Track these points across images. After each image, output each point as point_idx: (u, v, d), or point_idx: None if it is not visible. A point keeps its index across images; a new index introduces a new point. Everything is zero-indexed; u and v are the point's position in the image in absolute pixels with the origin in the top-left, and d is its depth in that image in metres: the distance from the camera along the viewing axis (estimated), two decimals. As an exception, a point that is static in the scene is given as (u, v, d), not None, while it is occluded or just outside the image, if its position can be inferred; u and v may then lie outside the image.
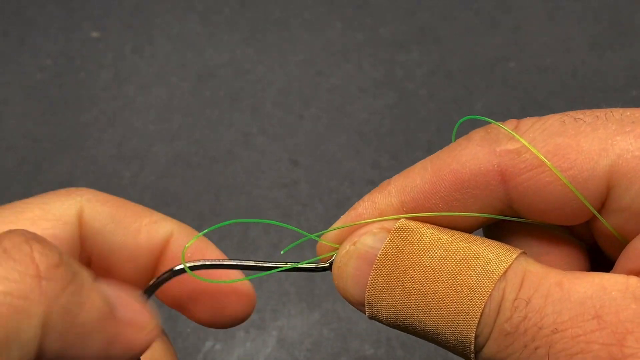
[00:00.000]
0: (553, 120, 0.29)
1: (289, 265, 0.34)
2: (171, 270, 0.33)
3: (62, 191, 0.34)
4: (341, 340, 0.65)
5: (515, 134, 0.29)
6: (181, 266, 0.33)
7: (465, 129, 0.33)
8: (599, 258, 0.32)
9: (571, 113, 0.29)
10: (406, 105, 0.87)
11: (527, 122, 0.30)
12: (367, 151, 0.82)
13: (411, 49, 0.95)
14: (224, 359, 0.64)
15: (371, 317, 0.31)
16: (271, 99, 0.88)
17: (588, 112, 0.29)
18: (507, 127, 0.30)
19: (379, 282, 0.30)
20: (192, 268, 0.33)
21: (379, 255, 0.30)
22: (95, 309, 0.26)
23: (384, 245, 0.30)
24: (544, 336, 0.26)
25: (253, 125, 0.85)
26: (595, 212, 0.29)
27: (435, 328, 0.29)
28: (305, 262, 0.34)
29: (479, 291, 0.28)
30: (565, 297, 0.26)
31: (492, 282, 0.28)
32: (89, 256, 0.35)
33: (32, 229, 0.28)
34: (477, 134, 0.31)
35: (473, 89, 0.89)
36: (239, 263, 0.34)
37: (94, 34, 0.97)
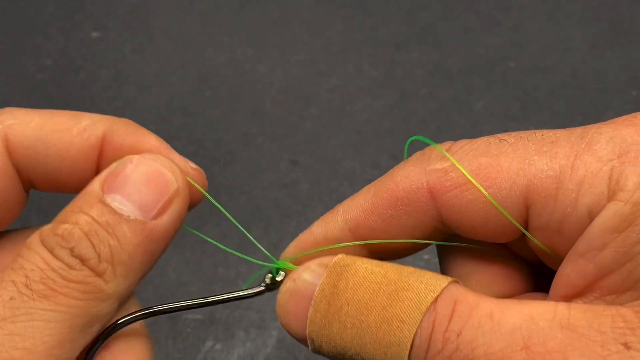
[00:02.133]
0: (481, 142, 0.31)
1: (224, 297, 0.34)
2: (113, 326, 0.33)
3: None
4: (341, 340, 0.65)
5: (445, 152, 0.31)
6: (119, 321, 0.33)
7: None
8: (548, 275, 0.32)
9: (499, 135, 0.31)
10: (406, 105, 0.87)
11: (460, 143, 0.32)
12: (367, 151, 0.82)
13: (411, 49, 0.95)
14: (224, 358, 0.64)
15: (314, 352, 0.31)
16: (271, 99, 0.88)
17: (514, 133, 0.30)
18: (441, 147, 0.32)
19: (318, 318, 0.30)
20: (128, 321, 0.33)
21: (316, 292, 0.30)
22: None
23: (320, 282, 0.31)
24: None
25: (253, 125, 0.85)
26: (518, 226, 0.29)
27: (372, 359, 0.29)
28: (243, 289, 0.35)
29: (408, 322, 0.28)
30: (495, 328, 0.27)
31: (420, 312, 0.28)
32: (30, 179, 0.35)
33: None
34: (415, 155, 0.33)
35: (473, 89, 0.89)
36: (174, 306, 0.34)
37: (94, 34, 0.97)
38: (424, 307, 0.28)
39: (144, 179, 0.32)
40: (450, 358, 0.27)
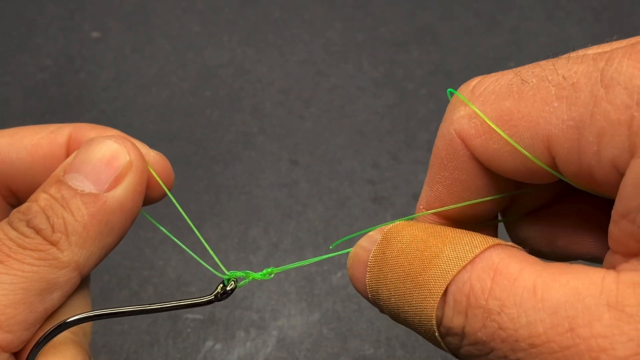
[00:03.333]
0: (504, 82, 0.30)
1: (172, 304, 0.35)
2: (58, 325, 0.34)
3: None
4: (341, 340, 0.65)
5: (466, 100, 0.30)
6: (67, 320, 0.34)
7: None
8: None
9: (522, 72, 0.29)
10: (406, 105, 0.87)
11: (483, 83, 0.31)
12: (367, 151, 0.82)
13: (411, 49, 0.95)
14: (224, 358, 0.64)
15: (382, 312, 0.33)
16: (271, 99, 0.88)
17: (536, 70, 0.29)
18: (465, 88, 0.32)
19: (372, 282, 0.31)
20: (76, 321, 0.34)
21: (369, 259, 0.31)
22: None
23: (373, 249, 0.31)
24: (522, 349, 0.25)
25: (253, 125, 0.85)
26: (548, 169, 0.28)
27: (415, 328, 0.29)
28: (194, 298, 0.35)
29: (433, 291, 0.28)
30: (538, 306, 0.25)
31: (445, 282, 0.28)
32: (7, 185, 0.37)
33: None
34: (446, 110, 0.32)
35: (473, 89, 0.89)
36: (121, 310, 0.35)
37: (94, 34, 0.97)
38: (449, 276, 0.27)
39: (99, 156, 0.34)
40: (492, 336, 0.26)
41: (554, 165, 0.28)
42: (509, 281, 0.26)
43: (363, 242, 0.33)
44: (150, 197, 0.38)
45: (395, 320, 0.31)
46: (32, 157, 0.37)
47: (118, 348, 0.65)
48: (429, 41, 0.95)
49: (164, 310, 0.35)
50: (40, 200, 0.33)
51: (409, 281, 0.29)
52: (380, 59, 0.93)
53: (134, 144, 0.36)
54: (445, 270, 0.28)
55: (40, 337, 0.33)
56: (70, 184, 0.33)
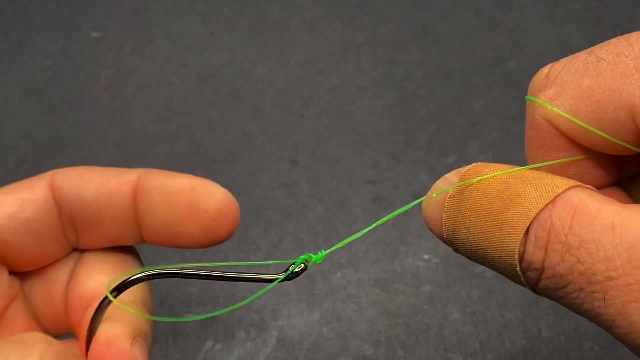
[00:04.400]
0: (579, 63, 0.31)
1: (244, 276, 0.36)
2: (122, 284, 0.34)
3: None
4: (341, 340, 0.65)
5: (543, 103, 0.31)
6: (144, 274, 0.34)
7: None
8: None
9: (596, 52, 0.31)
10: (406, 105, 0.87)
11: (559, 65, 0.32)
12: (367, 151, 0.82)
13: (411, 49, 0.95)
14: (224, 358, 0.64)
15: (456, 252, 0.34)
16: (271, 99, 0.88)
17: (610, 48, 0.30)
18: (539, 77, 0.33)
19: (449, 223, 0.32)
20: (156, 275, 0.34)
21: (446, 200, 0.32)
22: None
23: (451, 190, 0.32)
24: (599, 282, 0.26)
25: (253, 125, 0.85)
26: (630, 147, 0.29)
27: (494, 264, 0.31)
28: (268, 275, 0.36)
29: (516, 228, 0.29)
30: (616, 241, 0.26)
31: (528, 219, 0.29)
32: (69, 215, 0.38)
33: (7, 197, 0.37)
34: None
35: (473, 89, 0.89)
36: (193, 272, 0.35)
37: (94, 34, 0.97)
38: (532, 213, 0.28)
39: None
40: (571, 269, 0.27)
41: (638, 136, 0.29)
42: (587, 219, 0.27)
43: (439, 184, 0.33)
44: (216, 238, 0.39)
45: (471, 258, 0.32)
46: (99, 190, 0.39)
47: (118, 348, 0.65)
48: (429, 41, 0.95)
49: (236, 280, 0.36)
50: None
51: (490, 219, 0.30)
52: (380, 59, 0.93)
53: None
54: (528, 208, 0.29)
55: (103, 301, 0.34)
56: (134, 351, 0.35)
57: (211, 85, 0.90)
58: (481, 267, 0.69)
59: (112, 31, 0.98)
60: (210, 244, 0.39)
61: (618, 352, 0.63)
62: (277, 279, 0.36)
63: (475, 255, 0.32)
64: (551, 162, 0.32)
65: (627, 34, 0.30)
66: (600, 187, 0.34)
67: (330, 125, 0.85)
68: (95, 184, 0.39)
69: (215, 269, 0.36)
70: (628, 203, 0.30)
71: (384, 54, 0.94)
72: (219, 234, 0.39)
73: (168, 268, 0.34)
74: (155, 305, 0.42)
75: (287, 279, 0.36)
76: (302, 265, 0.36)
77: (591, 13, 0.99)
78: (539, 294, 0.30)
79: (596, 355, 0.63)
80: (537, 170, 0.32)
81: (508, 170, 0.32)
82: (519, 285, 0.33)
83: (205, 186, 0.39)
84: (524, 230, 0.28)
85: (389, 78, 0.91)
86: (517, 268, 0.29)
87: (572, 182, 0.29)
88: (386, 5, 1.01)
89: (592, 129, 0.29)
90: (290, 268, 0.37)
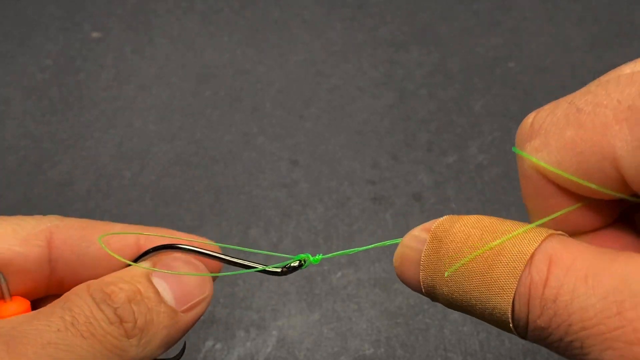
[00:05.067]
0: (560, 114, 0.31)
1: (244, 262, 0.38)
2: (165, 246, 0.37)
3: (33, 216, 0.39)
4: (341, 340, 0.65)
5: (530, 157, 0.32)
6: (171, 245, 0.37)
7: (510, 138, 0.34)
8: None
9: (576, 101, 0.31)
10: (406, 105, 0.87)
11: (541, 116, 0.32)
12: (367, 151, 0.82)
13: (411, 49, 0.95)
14: (224, 358, 0.64)
15: (434, 301, 0.34)
16: (271, 99, 0.88)
17: (590, 97, 0.31)
18: (524, 126, 0.32)
19: (428, 280, 0.32)
20: (179, 248, 0.38)
21: (422, 259, 0.32)
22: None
23: (424, 248, 0.32)
24: (575, 332, 0.27)
25: (253, 125, 0.85)
26: (618, 195, 0.30)
27: (483, 318, 0.31)
28: (271, 266, 0.39)
29: (505, 289, 0.29)
30: (590, 292, 0.27)
31: (515, 279, 0.29)
32: (61, 277, 0.39)
33: (1, 245, 0.36)
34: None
35: (473, 89, 0.89)
36: (221, 256, 0.38)
37: (95, 34, 0.98)
38: (518, 272, 0.29)
39: (188, 278, 0.37)
40: (549, 323, 0.28)
41: (624, 183, 0.30)
42: (562, 270, 0.28)
43: (410, 242, 0.34)
44: None
45: (453, 308, 0.32)
46: (99, 250, 0.39)
47: (118, 348, 0.65)
48: (429, 41, 0.95)
49: (235, 264, 0.38)
50: (128, 290, 0.35)
51: (476, 280, 0.30)
52: (380, 59, 0.93)
53: (210, 278, 0.38)
54: (513, 267, 0.29)
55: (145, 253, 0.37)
56: (157, 287, 0.35)
57: (211, 85, 0.90)
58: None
59: (112, 31, 0.98)
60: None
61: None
62: (273, 270, 0.38)
63: (460, 309, 0.32)
64: (546, 219, 0.33)
65: (605, 81, 0.31)
66: (600, 228, 0.34)
67: (330, 125, 0.85)
68: (96, 247, 0.39)
69: (223, 251, 0.39)
70: (631, 237, 0.31)
71: (384, 54, 0.94)
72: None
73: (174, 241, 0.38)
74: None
75: (282, 273, 0.38)
76: (299, 262, 0.38)
77: (591, 13, 0.99)
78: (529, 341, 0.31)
79: (596, 355, 0.63)
80: (505, 220, 0.32)
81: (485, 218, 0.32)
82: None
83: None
84: (514, 290, 0.29)
85: (389, 78, 0.91)
86: (510, 325, 0.30)
87: (544, 233, 0.30)
88: (386, 5, 1.01)
89: (576, 179, 0.30)
90: (289, 263, 0.39)
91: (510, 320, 0.30)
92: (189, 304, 0.36)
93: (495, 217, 0.32)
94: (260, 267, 0.38)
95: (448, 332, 0.65)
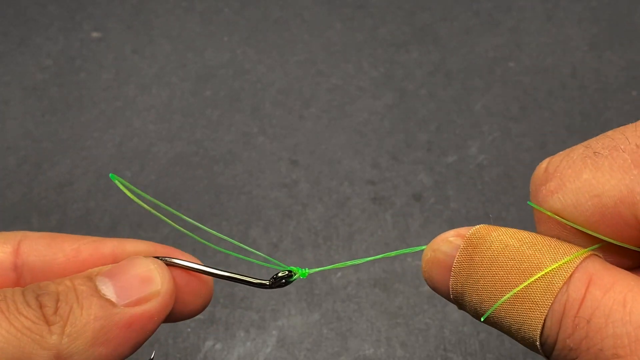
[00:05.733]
0: (577, 157, 0.31)
1: (232, 275, 0.37)
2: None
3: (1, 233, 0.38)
4: (341, 340, 0.65)
5: (544, 210, 0.31)
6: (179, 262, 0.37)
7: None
8: None
9: (592, 145, 0.31)
10: (406, 105, 0.87)
11: (557, 159, 0.32)
12: (367, 151, 0.82)
13: (411, 49, 0.95)
14: (224, 358, 0.64)
15: (461, 309, 0.33)
16: (271, 99, 0.88)
17: (606, 142, 0.30)
18: (539, 171, 0.32)
19: (458, 287, 0.32)
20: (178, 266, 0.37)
21: (454, 265, 0.32)
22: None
23: (457, 255, 0.32)
24: (606, 358, 0.27)
25: (253, 125, 0.85)
26: (629, 247, 0.29)
27: (509, 331, 0.30)
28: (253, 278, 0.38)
29: (540, 304, 0.29)
30: (626, 318, 0.27)
31: (551, 295, 0.28)
32: (30, 281, 0.38)
33: None
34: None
35: (473, 89, 0.89)
36: (213, 271, 0.38)
37: (95, 34, 0.98)
38: (555, 289, 0.28)
39: (135, 274, 0.35)
40: (579, 344, 0.27)
41: None
42: (601, 291, 0.28)
43: (443, 246, 0.33)
44: (183, 313, 0.40)
45: (478, 319, 0.32)
46: (69, 261, 0.37)
47: (118, 348, 0.65)
48: (429, 41, 0.95)
49: (222, 278, 0.37)
50: (62, 284, 0.34)
51: (507, 291, 0.30)
52: (380, 59, 0.93)
53: (170, 277, 0.36)
54: (551, 283, 0.29)
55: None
56: (96, 283, 0.34)
57: (211, 85, 0.90)
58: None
59: (112, 31, 0.98)
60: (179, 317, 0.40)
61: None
62: (263, 284, 0.37)
63: (487, 321, 0.32)
64: (570, 258, 0.32)
65: (622, 127, 0.30)
66: (632, 268, 0.33)
67: (330, 125, 0.85)
68: (65, 255, 0.37)
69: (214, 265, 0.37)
70: None
71: (384, 54, 0.94)
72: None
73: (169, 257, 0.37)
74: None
75: (269, 287, 0.37)
76: (287, 273, 0.38)
77: (591, 13, 0.99)
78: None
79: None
80: (543, 236, 0.31)
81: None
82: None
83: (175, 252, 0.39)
84: (549, 307, 0.29)
85: (389, 78, 0.91)
86: (537, 342, 0.29)
87: (587, 251, 0.30)
88: (386, 5, 1.01)
89: (586, 230, 0.29)
90: (278, 275, 0.38)
91: (538, 337, 0.29)
92: (133, 298, 0.34)
93: (534, 233, 0.32)
94: (248, 279, 0.37)
95: (448, 332, 0.65)
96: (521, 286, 0.29)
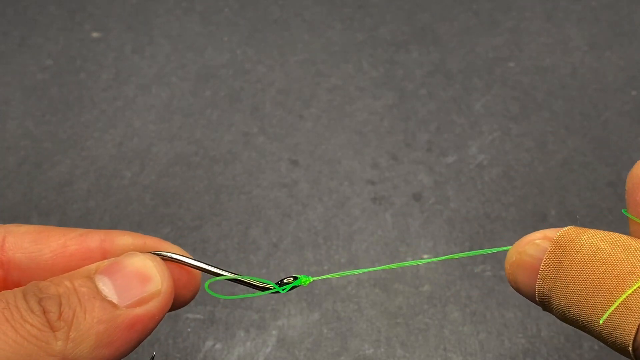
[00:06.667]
0: None
1: (236, 276, 0.37)
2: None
3: None
4: (341, 339, 0.65)
5: (636, 219, 0.31)
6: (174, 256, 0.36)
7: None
8: None
9: None
10: (406, 106, 0.87)
11: None
12: (367, 151, 0.82)
13: (411, 49, 0.95)
14: (224, 358, 0.64)
15: (546, 310, 0.33)
16: (271, 99, 0.88)
17: None
18: (635, 180, 0.31)
19: (545, 289, 0.31)
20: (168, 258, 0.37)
21: (541, 267, 0.31)
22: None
23: (545, 257, 0.31)
24: None
25: (253, 125, 0.85)
26: None
27: (599, 335, 0.30)
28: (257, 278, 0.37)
29: (633, 309, 0.28)
30: None
31: None
32: (17, 281, 0.37)
33: None
34: None
35: (472, 89, 0.89)
36: (210, 268, 0.37)
37: (95, 34, 0.98)
38: None
39: (134, 272, 0.35)
40: None
41: None
42: None
43: (529, 249, 0.32)
44: (173, 305, 0.39)
45: (567, 322, 0.31)
46: (56, 256, 0.37)
47: (118, 348, 0.65)
48: (429, 41, 0.95)
49: (227, 279, 0.37)
50: (62, 286, 0.33)
51: (600, 296, 0.29)
52: (380, 59, 0.93)
53: (169, 274, 0.36)
54: None
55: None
56: (96, 283, 0.33)
57: (211, 85, 0.90)
58: (481, 267, 0.69)
59: (112, 31, 0.98)
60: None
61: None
62: (268, 288, 0.37)
63: (573, 323, 0.31)
64: None
65: None
66: None
67: (330, 125, 0.85)
68: (52, 250, 0.37)
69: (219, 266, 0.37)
70: None
71: (384, 54, 0.94)
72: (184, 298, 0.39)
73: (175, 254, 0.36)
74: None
75: (275, 291, 0.37)
76: (291, 278, 0.37)
77: (591, 13, 0.99)
78: None
79: (596, 355, 0.63)
80: (636, 239, 0.31)
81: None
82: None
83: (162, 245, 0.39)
84: None
85: (389, 78, 0.91)
86: (630, 348, 0.29)
87: None
88: (386, 5, 1.01)
89: None
90: (285, 280, 0.37)
91: (630, 343, 0.28)
92: (135, 299, 0.34)
93: (625, 235, 0.31)
94: (243, 278, 0.37)
95: (448, 332, 0.65)
96: (624, 295, 0.29)
